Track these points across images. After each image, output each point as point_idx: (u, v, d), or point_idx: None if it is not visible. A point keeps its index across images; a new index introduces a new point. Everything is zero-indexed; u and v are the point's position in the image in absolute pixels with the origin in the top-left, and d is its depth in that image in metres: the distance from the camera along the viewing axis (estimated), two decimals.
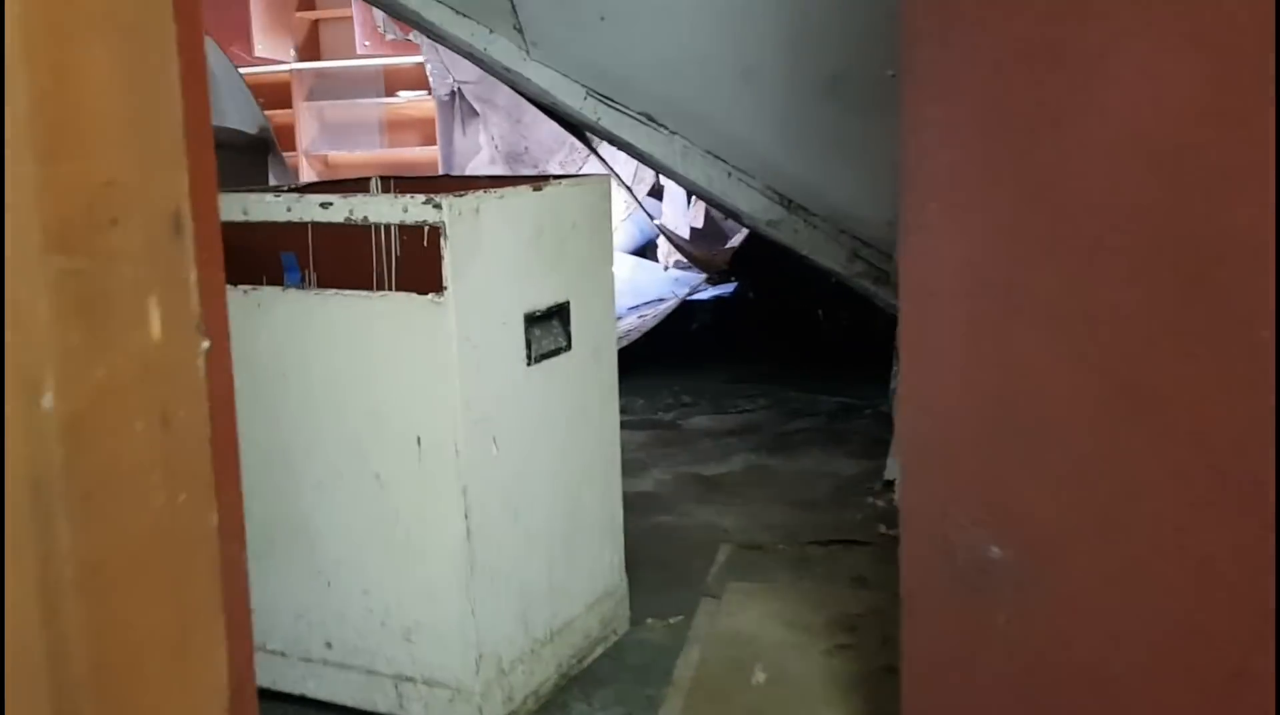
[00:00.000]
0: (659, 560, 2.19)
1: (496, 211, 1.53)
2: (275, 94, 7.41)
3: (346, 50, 6.82)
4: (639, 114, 2.76)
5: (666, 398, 3.60)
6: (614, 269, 1.87)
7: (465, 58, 2.78)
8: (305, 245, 1.56)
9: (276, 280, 1.69)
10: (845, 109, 2.62)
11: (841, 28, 2.45)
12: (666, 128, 2.78)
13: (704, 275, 3.95)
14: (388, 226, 1.48)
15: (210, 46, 4.69)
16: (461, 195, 1.47)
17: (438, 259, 1.45)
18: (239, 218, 1.58)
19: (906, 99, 1.28)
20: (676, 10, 2.50)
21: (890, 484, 2.63)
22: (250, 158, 4.45)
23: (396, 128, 7.41)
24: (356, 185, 1.96)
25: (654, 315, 4.41)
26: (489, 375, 1.54)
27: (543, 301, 1.65)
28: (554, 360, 1.68)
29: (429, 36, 2.75)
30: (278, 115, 7.55)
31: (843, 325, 3.75)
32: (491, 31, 2.58)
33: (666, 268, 5.12)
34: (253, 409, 1.62)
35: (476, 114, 5.49)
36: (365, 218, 1.49)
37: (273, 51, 7.22)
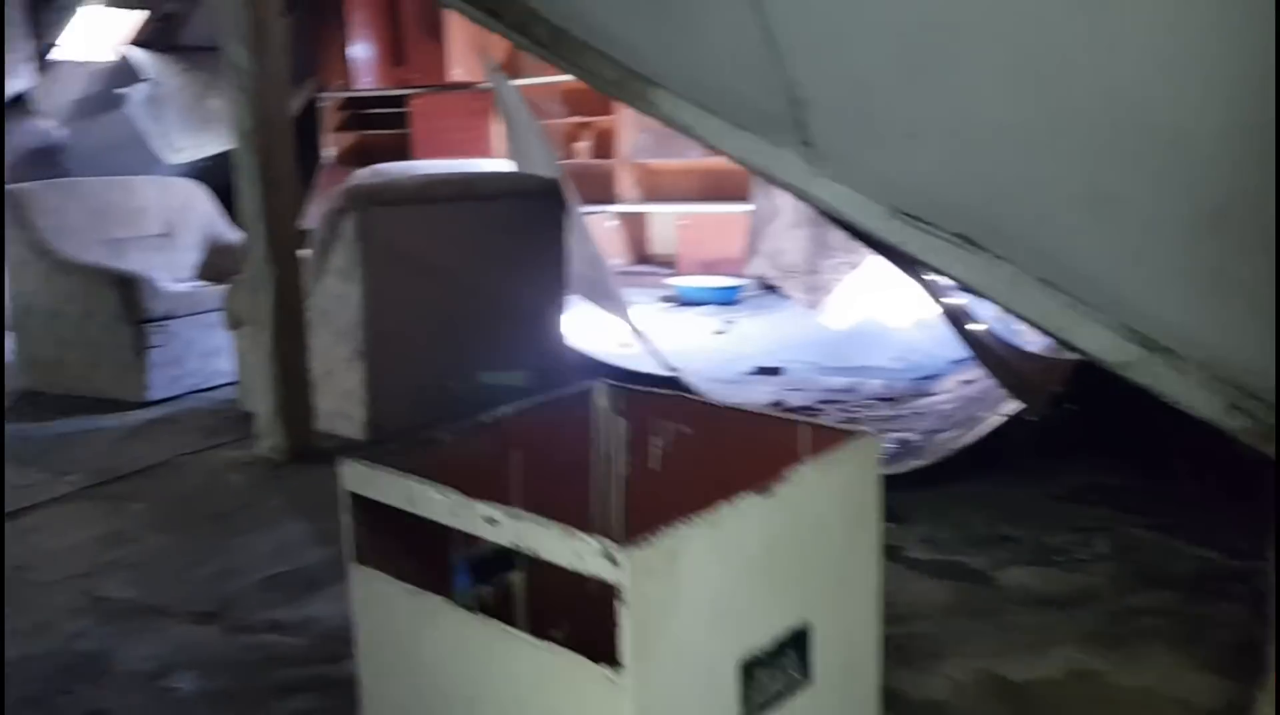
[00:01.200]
0: None
1: (705, 547, 1.14)
2: (597, 101, 7.29)
3: None
4: (953, 236, 2.25)
5: (979, 525, 3.06)
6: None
7: (738, 163, 2.38)
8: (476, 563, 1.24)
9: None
10: (1231, 246, 1.99)
11: (1228, 157, 1.82)
12: (990, 252, 2.25)
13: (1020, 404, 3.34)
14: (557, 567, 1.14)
15: (515, 96, 4.59)
16: (650, 541, 1.09)
17: (613, 624, 1.09)
18: (404, 505, 1.29)
19: None
20: (1004, 131, 1.97)
21: None
22: (548, 202, 4.35)
23: None
24: (578, 399, 1.63)
25: (969, 399, 3.83)
26: None
27: (769, 635, 1.25)
28: (783, 703, 1.28)
29: (703, 145, 2.37)
30: (599, 122, 7.47)
31: (1209, 484, 3.02)
32: (775, 146, 2.16)
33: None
34: None
35: None
36: (534, 550, 1.15)
37: None
